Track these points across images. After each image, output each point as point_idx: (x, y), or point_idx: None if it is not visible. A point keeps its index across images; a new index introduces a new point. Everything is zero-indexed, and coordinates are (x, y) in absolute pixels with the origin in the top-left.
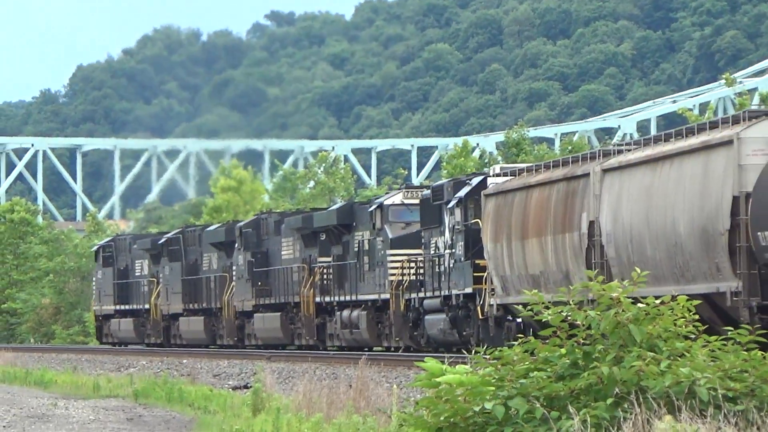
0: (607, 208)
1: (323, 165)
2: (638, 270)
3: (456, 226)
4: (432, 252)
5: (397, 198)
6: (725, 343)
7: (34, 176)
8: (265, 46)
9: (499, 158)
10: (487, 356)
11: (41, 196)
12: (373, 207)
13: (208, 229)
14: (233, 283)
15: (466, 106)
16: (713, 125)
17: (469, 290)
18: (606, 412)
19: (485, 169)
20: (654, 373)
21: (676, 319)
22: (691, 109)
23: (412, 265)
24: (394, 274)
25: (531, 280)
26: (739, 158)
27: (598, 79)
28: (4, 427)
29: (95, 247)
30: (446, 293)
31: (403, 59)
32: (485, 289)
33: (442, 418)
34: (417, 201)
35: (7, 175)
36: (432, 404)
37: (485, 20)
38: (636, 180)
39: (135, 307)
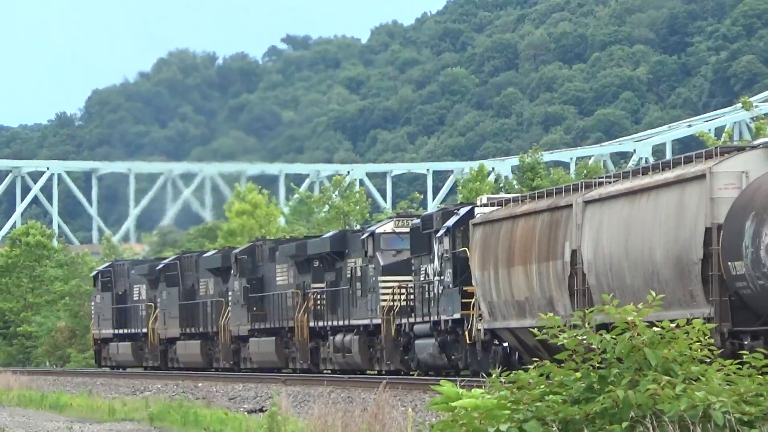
0: (588, 237)
1: (338, 189)
2: (618, 296)
3: (445, 254)
4: (422, 279)
5: (388, 226)
6: (740, 366)
7: (50, 199)
8: (281, 70)
9: (515, 182)
10: (503, 380)
11: (56, 219)
12: (366, 235)
13: (205, 255)
14: (229, 308)
15: (481, 130)
16: (687, 160)
17: (457, 316)
18: None
19: (479, 198)
20: (669, 397)
21: (691, 343)
22: (708, 132)
23: (403, 291)
24: (385, 300)
25: (517, 306)
26: (711, 192)
27: (613, 103)
28: None
29: (94, 273)
30: (435, 318)
31: (418, 83)
32: (473, 314)
33: None
34: (407, 229)
35: (23, 198)
36: (448, 428)
37: (501, 44)
38: (615, 211)
39: (133, 331)
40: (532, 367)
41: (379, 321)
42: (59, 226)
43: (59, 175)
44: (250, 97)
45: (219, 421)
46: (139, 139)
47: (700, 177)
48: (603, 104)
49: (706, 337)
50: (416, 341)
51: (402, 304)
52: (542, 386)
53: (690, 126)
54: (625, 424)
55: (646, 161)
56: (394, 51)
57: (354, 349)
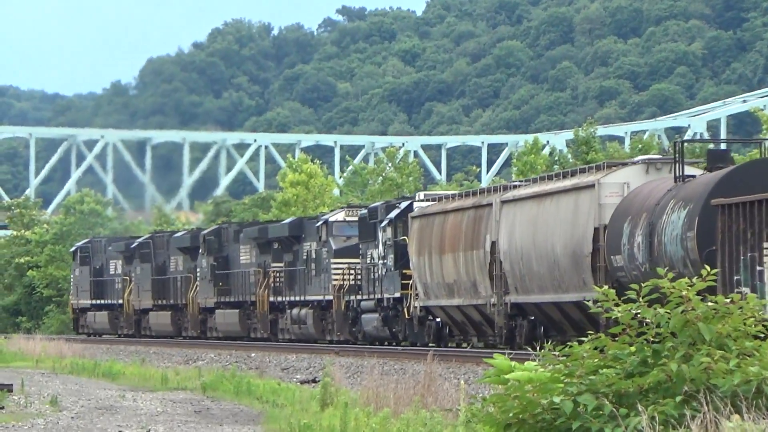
0: (504, 231)
1: (392, 161)
2: (527, 281)
3: (388, 242)
4: (368, 262)
5: (339, 216)
6: None
7: (104, 168)
8: (336, 41)
9: (569, 156)
10: (557, 353)
11: (110, 187)
12: (320, 222)
13: (176, 235)
14: (197, 282)
15: (536, 104)
16: (582, 171)
17: (397, 294)
18: (674, 410)
19: (416, 194)
20: (723, 371)
21: (745, 318)
22: (762, 109)
23: (352, 272)
24: (336, 279)
25: (447, 287)
26: (599, 198)
27: (668, 78)
28: (72, 418)
29: (73, 248)
30: (379, 296)
31: (474, 56)
32: (411, 294)
33: (510, 415)
34: (356, 219)
35: (77, 166)
36: (501, 400)
37: (556, 18)
38: (525, 211)
39: (109, 302)
40: (587, 340)
41: (330, 297)
42: (113, 195)
43: (114, 144)
44: (305, 68)
45: (272, 391)
46: (193, 108)
47: (591, 186)
48: (658, 79)
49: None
50: (363, 316)
51: (351, 283)
52: (596, 359)
53: (744, 102)
54: (678, 398)
55: (701, 136)
56: (449, 23)
57: (308, 322)
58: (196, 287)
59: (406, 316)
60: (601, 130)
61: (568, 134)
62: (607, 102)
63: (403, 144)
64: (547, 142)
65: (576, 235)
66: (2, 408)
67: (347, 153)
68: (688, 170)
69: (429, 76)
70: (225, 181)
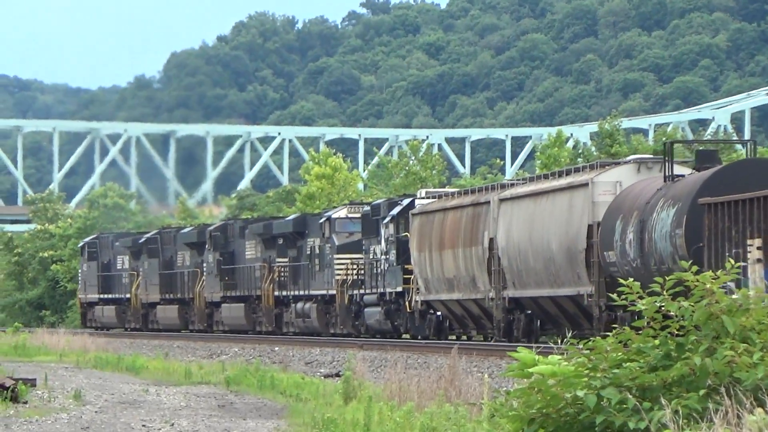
0: (502, 228)
1: (415, 154)
2: (524, 276)
3: (390, 238)
4: (371, 257)
5: (342, 212)
6: None
7: (128, 162)
8: (360, 34)
9: (593, 149)
10: (581, 347)
11: (134, 181)
12: (323, 219)
13: (183, 231)
14: (204, 277)
15: (560, 96)
16: (576, 170)
17: (399, 289)
18: (698, 404)
19: (418, 191)
20: (746, 365)
21: None
22: None
23: (355, 267)
24: (339, 274)
25: (447, 282)
26: (593, 197)
27: (692, 70)
28: (95, 412)
29: (81, 244)
30: (382, 291)
31: (498, 49)
32: (412, 288)
33: (534, 409)
34: (359, 215)
35: (101, 160)
36: (525, 394)
37: (580, 10)
38: (523, 208)
39: (117, 296)
40: (611, 334)
41: (334, 292)
42: (137, 188)
43: (137, 138)
44: (330, 61)
45: (295, 385)
46: (217, 102)
47: (585, 185)
48: (682, 71)
49: None
50: (365, 309)
51: (354, 278)
52: (620, 353)
53: None
54: (701, 392)
55: (725, 129)
56: (473, 16)
57: (312, 315)
58: (202, 282)
59: (408, 310)
60: (625, 123)
61: (592, 127)
62: (631, 94)
63: (427, 137)
64: (571, 134)
65: (571, 232)
66: (26, 402)
67: (371, 146)
68: (678, 170)
69: (453, 69)
70: (249, 174)
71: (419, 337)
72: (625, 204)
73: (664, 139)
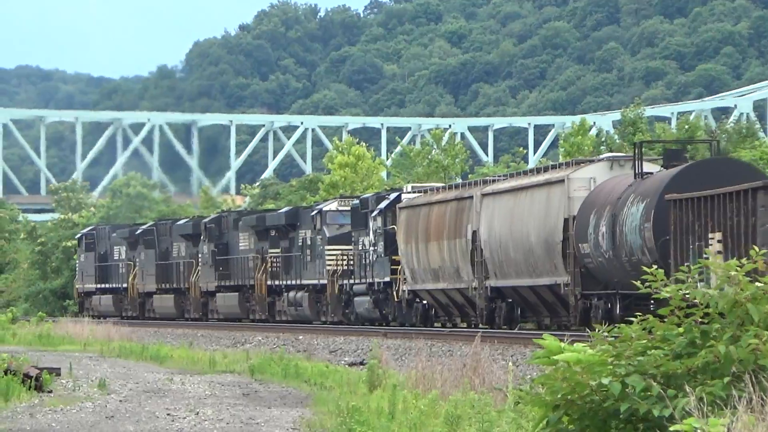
0: (484, 222)
1: (437, 142)
2: (505, 266)
3: (378, 230)
4: (360, 248)
5: (333, 205)
6: None
7: (150, 151)
8: (383, 23)
9: (616, 137)
10: (606, 334)
11: (157, 170)
12: (315, 212)
13: (178, 222)
14: (199, 267)
15: (582, 85)
16: (554, 167)
17: (387, 279)
18: (722, 391)
19: (404, 186)
20: None
21: None
22: None
23: (345, 258)
24: (330, 265)
25: (432, 272)
26: (568, 192)
27: (714, 58)
28: (120, 401)
29: (78, 235)
30: (370, 281)
31: (520, 37)
32: (399, 278)
33: (559, 396)
34: (348, 208)
35: (124, 149)
36: (549, 381)
37: None
38: (503, 203)
39: (114, 285)
40: (636, 321)
41: (325, 281)
42: (159, 178)
43: (160, 127)
44: (352, 50)
45: (320, 374)
46: (239, 91)
47: (561, 181)
48: (704, 59)
49: None
50: (355, 298)
51: (344, 268)
52: (644, 341)
53: None
54: (726, 379)
55: (747, 117)
56: (495, 4)
57: (304, 304)
58: (197, 272)
59: (395, 299)
60: (648, 111)
61: (615, 115)
62: (653, 83)
63: (450, 126)
64: (594, 123)
65: (548, 225)
66: (50, 392)
67: (394, 135)
68: (647, 167)
69: (475, 58)
70: (272, 163)
71: (406, 325)
72: (599, 199)
73: (686, 127)
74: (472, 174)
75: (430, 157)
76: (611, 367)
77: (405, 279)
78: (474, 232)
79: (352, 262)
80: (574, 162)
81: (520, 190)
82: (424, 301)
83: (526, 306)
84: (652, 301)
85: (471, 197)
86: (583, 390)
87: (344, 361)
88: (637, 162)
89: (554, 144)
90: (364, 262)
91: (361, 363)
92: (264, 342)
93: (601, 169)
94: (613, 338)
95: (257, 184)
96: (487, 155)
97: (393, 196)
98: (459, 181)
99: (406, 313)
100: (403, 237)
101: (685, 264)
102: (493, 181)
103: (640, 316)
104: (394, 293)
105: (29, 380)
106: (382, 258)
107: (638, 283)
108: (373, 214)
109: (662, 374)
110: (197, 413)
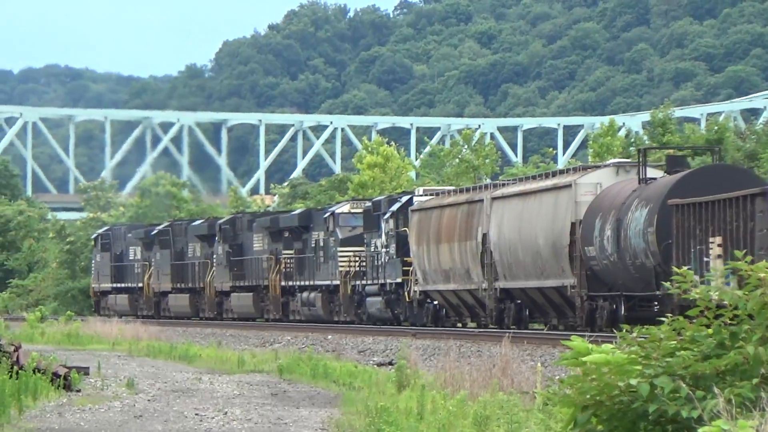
0: (494, 225)
1: (468, 143)
2: (514, 268)
3: (390, 232)
4: (372, 250)
5: (345, 208)
6: None
7: (180, 150)
8: (412, 23)
9: (645, 138)
10: (634, 335)
11: (186, 170)
12: (327, 214)
13: (193, 223)
14: (214, 268)
15: (612, 85)
16: (561, 172)
17: (399, 280)
18: (750, 392)
19: (416, 189)
20: None
21: None
22: None
23: (357, 259)
24: (343, 266)
25: (443, 273)
26: (575, 197)
27: (744, 59)
28: (149, 400)
29: (94, 235)
30: (382, 281)
31: (549, 38)
32: (411, 279)
33: (587, 396)
34: (361, 211)
35: (153, 149)
36: (577, 382)
37: None
38: (513, 206)
39: (129, 285)
40: (665, 321)
41: (337, 282)
42: (188, 177)
43: (189, 127)
44: (381, 50)
45: (348, 374)
46: (269, 90)
47: (569, 186)
48: (733, 61)
49: None
50: (367, 299)
51: (356, 269)
52: (673, 342)
53: None
54: (754, 381)
55: None
56: (525, 5)
57: (317, 304)
58: (212, 272)
59: (407, 299)
60: (677, 112)
61: (644, 116)
62: (682, 84)
63: (479, 126)
64: (623, 124)
65: (556, 228)
66: (79, 391)
67: (423, 135)
68: (651, 173)
69: (505, 58)
70: (301, 163)
71: (417, 325)
72: (604, 204)
73: (715, 128)
74: (502, 175)
75: (460, 156)
76: (640, 368)
77: (416, 280)
78: (484, 235)
79: (364, 264)
80: (581, 167)
81: (528, 194)
82: (435, 302)
83: (534, 307)
84: (655, 303)
85: (481, 200)
86: (611, 391)
87: (373, 361)
88: (641, 168)
89: (583, 144)
90: (376, 263)
91: (390, 363)
92: (292, 341)
93: (606, 174)
94: (641, 339)
95: (286, 183)
96: (516, 156)
97: (405, 198)
98: (488, 181)
99: (417, 313)
100: (415, 239)
101: (687, 267)
102: (503, 185)
103: (669, 317)
104: (406, 294)
105: (58, 379)
106: (393, 259)
107: (667, 284)
108: (386, 217)
109: (691, 375)
110: (225, 413)
